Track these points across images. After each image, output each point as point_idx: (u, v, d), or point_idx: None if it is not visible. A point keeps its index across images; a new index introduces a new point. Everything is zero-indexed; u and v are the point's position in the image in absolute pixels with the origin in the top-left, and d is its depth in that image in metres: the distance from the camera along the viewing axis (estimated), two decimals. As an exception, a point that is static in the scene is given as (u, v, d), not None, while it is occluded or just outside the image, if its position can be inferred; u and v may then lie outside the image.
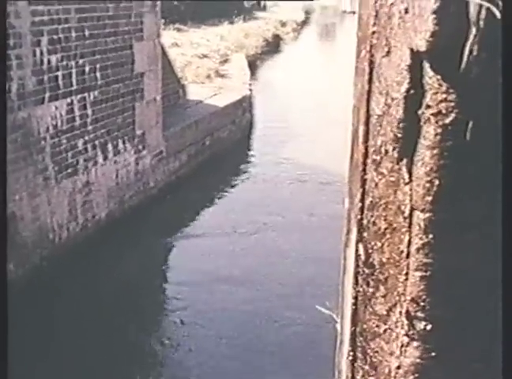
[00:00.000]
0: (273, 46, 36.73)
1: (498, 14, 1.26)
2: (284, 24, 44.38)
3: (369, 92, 1.61)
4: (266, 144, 19.27)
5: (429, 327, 1.52)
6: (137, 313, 10.31)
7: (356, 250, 1.70)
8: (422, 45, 1.35)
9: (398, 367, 1.58)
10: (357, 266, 1.70)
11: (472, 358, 1.52)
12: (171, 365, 9.24)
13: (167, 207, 14.07)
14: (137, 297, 10.78)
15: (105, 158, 12.39)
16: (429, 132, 1.43)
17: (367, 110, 1.61)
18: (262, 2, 46.74)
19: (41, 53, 10.31)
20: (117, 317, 9.99)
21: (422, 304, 1.50)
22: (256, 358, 9.15)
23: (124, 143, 13.09)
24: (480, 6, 1.28)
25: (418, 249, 1.49)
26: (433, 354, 1.53)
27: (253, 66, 27.43)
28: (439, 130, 1.41)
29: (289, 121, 21.44)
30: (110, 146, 12.53)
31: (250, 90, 21.14)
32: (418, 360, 1.55)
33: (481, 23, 1.29)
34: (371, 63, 1.59)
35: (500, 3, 1.25)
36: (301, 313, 9.75)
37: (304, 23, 54.25)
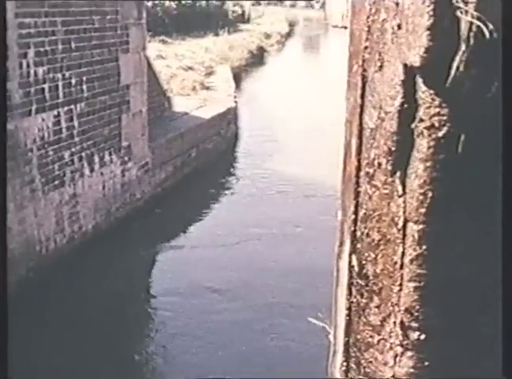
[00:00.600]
0: (258, 58, 36.74)
1: (487, 33, 1.28)
2: (268, 36, 44.41)
3: (362, 106, 1.62)
4: (251, 155, 19.26)
5: (423, 337, 1.53)
6: (125, 323, 10.28)
7: (350, 262, 1.71)
8: (416, 60, 1.37)
9: (392, 377, 1.59)
10: (351, 277, 1.71)
11: (468, 366, 1.53)
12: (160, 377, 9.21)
13: (154, 219, 14.05)
14: (124, 308, 10.74)
15: (91, 170, 12.34)
16: (422, 145, 1.45)
17: (360, 124, 1.63)
18: (246, 15, 46.81)
19: (28, 65, 10.27)
20: (104, 327, 9.95)
21: (416, 314, 1.51)
22: (247, 370, 9.11)
23: (110, 155, 13.05)
24: (471, 24, 1.30)
25: (412, 260, 1.50)
26: (427, 363, 1.55)
27: (237, 78, 27.45)
28: (432, 143, 1.43)
29: (274, 133, 21.46)
30: (96, 158, 12.49)
31: (235, 102, 21.15)
32: (412, 370, 1.56)
33: (471, 40, 1.31)
34: (364, 78, 1.61)
35: (490, 25, 1.27)
36: (291, 325, 9.74)
37: (288, 35, 54.34)
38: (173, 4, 33.36)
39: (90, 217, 12.32)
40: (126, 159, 13.64)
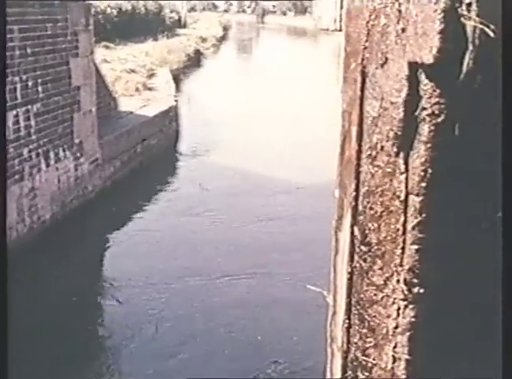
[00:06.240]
0: (195, 60, 36.64)
1: (491, 34, 1.42)
2: (204, 40, 44.27)
3: (361, 98, 1.74)
4: (191, 150, 19.35)
5: (422, 291, 1.65)
6: (81, 303, 10.27)
7: (352, 232, 1.82)
8: (429, 59, 1.50)
9: (396, 327, 1.70)
10: (352, 245, 1.82)
11: (463, 316, 1.66)
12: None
13: (105, 209, 14.03)
14: (80, 287, 10.71)
15: (47, 165, 12.32)
16: (424, 129, 1.58)
17: (360, 113, 1.75)
18: (183, 20, 46.60)
19: (-12, 69, 10.20)
20: (62, 312, 9.91)
21: (417, 272, 1.64)
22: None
23: (64, 151, 13.03)
24: (475, 28, 1.44)
25: (413, 227, 1.63)
26: (427, 314, 1.67)
27: (177, 80, 27.37)
28: (433, 128, 1.57)
29: (212, 129, 21.59)
30: (52, 154, 12.47)
31: (176, 101, 21.17)
32: (414, 319, 1.68)
33: (476, 41, 1.46)
34: (363, 73, 1.73)
35: (492, 26, 1.41)
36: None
37: (223, 38, 54.31)
38: (114, 11, 33.06)
39: (47, 208, 12.30)
40: (78, 154, 13.64)
